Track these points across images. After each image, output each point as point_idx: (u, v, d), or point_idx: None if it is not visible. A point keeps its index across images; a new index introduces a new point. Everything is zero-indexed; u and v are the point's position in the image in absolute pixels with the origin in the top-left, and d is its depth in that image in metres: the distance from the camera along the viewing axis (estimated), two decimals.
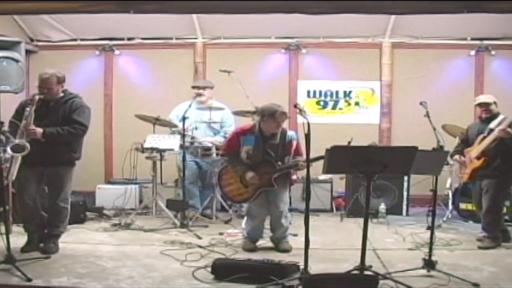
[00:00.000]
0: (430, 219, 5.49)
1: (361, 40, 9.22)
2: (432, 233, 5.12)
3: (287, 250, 5.90)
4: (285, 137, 5.97)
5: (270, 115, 5.79)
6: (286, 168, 5.93)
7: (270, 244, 6.12)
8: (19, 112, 5.54)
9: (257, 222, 6.07)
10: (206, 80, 8.55)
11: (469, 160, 6.32)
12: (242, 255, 5.58)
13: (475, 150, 6.27)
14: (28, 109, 5.37)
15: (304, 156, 5.21)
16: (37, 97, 5.46)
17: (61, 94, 5.72)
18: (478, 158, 6.21)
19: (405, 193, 8.24)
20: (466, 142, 6.55)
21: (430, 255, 4.99)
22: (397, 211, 8.15)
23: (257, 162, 5.92)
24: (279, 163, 5.91)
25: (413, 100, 6.95)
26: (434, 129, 5.52)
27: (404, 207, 8.26)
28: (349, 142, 5.56)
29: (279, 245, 6.01)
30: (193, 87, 7.99)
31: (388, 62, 9.23)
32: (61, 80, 5.68)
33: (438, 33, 8.92)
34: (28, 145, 5.22)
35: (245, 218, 6.38)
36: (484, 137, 6.20)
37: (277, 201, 5.99)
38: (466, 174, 6.37)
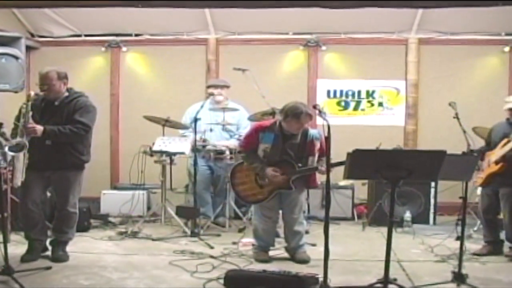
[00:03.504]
0: (459, 228, 5.43)
1: (385, 36, 9.16)
2: (462, 244, 5.06)
3: (305, 261, 5.86)
4: (306, 137, 5.91)
5: (294, 115, 5.71)
6: (306, 170, 5.87)
7: (286, 255, 6.10)
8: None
9: (268, 226, 6.05)
10: (222, 79, 8.49)
11: (487, 164, 6.20)
12: (257, 266, 5.58)
13: (495, 154, 6.13)
14: (24, 106, 5.40)
15: None
16: (32, 93, 5.49)
17: (66, 94, 5.75)
18: (496, 162, 6.09)
19: (432, 201, 8.19)
20: (489, 144, 6.40)
21: (460, 268, 4.95)
22: (423, 220, 8.10)
23: (275, 162, 5.87)
24: (299, 164, 5.87)
25: (441, 101, 6.91)
26: (464, 131, 5.49)
27: (431, 215, 8.20)
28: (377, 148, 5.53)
29: (295, 255, 5.98)
30: (208, 87, 7.98)
31: (415, 59, 9.17)
32: (62, 76, 5.70)
33: (469, 28, 8.84)
34: (27, 143, 5.24)
35: (253, 225, 6.31)
36: (508, 141, 6.08)
37: (292, 207, 5.98)
38: (480, 178, 6.24)
